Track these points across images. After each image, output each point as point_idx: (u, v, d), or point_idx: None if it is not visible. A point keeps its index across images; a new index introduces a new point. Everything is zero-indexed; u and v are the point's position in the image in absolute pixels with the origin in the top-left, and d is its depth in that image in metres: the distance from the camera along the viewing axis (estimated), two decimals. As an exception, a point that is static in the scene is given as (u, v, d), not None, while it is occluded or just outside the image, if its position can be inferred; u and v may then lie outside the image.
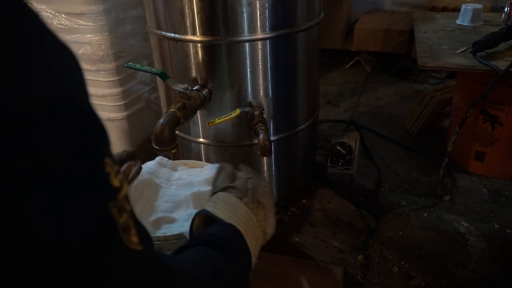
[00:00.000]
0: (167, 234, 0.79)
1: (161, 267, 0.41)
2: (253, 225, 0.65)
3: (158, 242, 0.77)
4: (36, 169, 0.29)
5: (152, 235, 0.78)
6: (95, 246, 0.32)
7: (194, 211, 0.85)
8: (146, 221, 0.85)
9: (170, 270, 0.43)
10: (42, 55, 0.31)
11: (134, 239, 0.36)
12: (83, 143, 0.32)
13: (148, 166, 1.00)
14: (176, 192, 0.93)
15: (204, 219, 0.68)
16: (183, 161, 1.04)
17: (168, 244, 0.77)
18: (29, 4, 0.30)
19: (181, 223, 0.83)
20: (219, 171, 0.78)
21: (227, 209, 0.65)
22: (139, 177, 0.96)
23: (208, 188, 0.90)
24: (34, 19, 0.31)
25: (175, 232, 0.79)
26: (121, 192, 0.35)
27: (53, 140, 0.30)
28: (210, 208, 0.65)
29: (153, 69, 0.98)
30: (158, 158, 0.98)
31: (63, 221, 0.30)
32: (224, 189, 0.70)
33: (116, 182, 0.34)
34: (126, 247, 0.35)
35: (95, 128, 0.34)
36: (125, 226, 0.35)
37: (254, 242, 0.64)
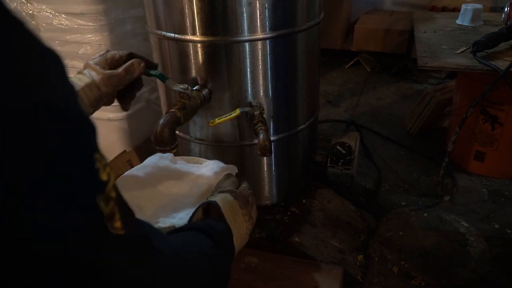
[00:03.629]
0: (161, 225, 0.82)
1: (143, 247, 0.44)
2: (242, 234, 0.73)
3: None
4: (35, 169, 0.30)
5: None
6: (84, 239, 0.34)
7: (188, 201, 0.88)
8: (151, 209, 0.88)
9: (152, 250, 0.45)
10: (36, 60, 0.32)
11: (118, 224, 0.38)
12: (75, 143, 0.34)
13: (150, 159, 1.03)
14: (173, 184, 0.95)
15: (203, 211, 0.74)
16: (184, 157, 1.06)
17: None
18: (15, 15, 0.31)
19: (173, 213, 0.85)
20: (226, 178, 0.87)
21: (231, 212, 0.72)
22: (144, 166, 0.99)
23: (205, 183, 0.93)
24: (22, 27, 0.32)
25: (168, 223, 0.82)
26: (109, 184, 0.37)
27: (50, 141, 0.31)
28: (220, 204, 0.71)
29: (151, 71, 0.97)
30: (159, 153, 1.01)
31: (58, 219, 0.32)
32: (230, 191, 0.76)
33: (104, 176, 0.36)
34: (111, 233, 0.37)
35: (85, 126, 0.35)
36: (111, 214, 0.37)
37: (237, 249, 0.72)
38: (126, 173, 1.01)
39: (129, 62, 0.88)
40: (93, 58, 0.88)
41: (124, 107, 0.96)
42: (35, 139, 0.30)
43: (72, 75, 0.84)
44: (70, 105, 0.34)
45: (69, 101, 0.34)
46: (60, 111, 0.32)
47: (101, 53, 0.90)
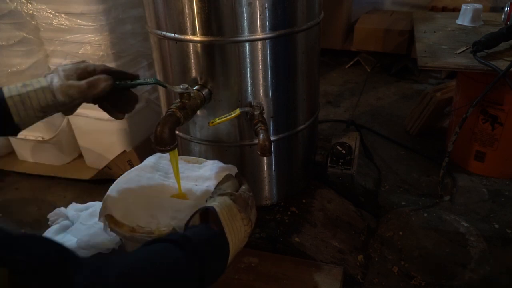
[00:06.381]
0: (161, 228, 0.82)
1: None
2: (239, 238, 0.73)
3: (153, 235, 0.81)
4: None
5: (148, 228, 0.82)
6: None
7: (188, 202, 0.88)
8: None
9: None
10: None
11: None
12: None
13: (149, 159, 1.03)
14: (174, 184, 0.95)
15: (201, 215, 0.74)
16: (183, 157, 1.07)
17: None
18: None
19: (173, 214, 0.85)
20: (226, 179, 0.87)
21: (228, 217, 0.71)
22: (141, 168, 0.99)
23: (205, 184, 0.93)
24: None
25: (167, 225, 0.82)
26: None
27: None
28: (218, 209, 0.71)
29: (148, 79, 0.94)
30: (159, 153, 1.02)
31: None
32: (229, 194, 0.75)
33: None
34: None
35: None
36: None
37: (234, 253, 0.72)
38: (126, 173, 1.01)
39: (95, 77, 0.82)
40: (65, 65, 0.83)
41: (116, 116, 0.90)
42: None
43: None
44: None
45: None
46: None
47: (75, 62, 0.84)
